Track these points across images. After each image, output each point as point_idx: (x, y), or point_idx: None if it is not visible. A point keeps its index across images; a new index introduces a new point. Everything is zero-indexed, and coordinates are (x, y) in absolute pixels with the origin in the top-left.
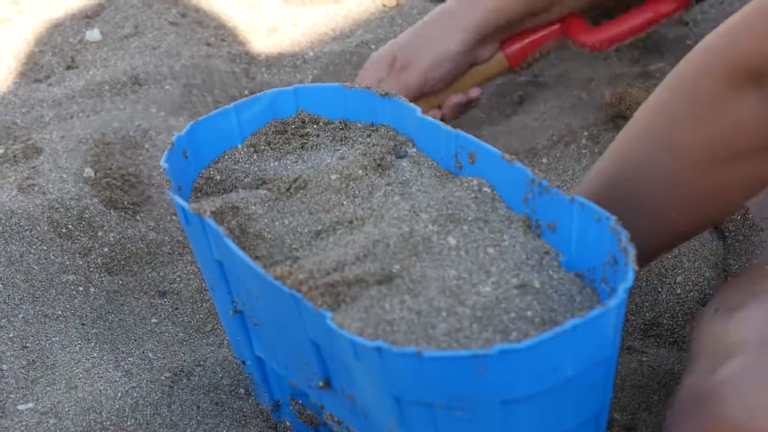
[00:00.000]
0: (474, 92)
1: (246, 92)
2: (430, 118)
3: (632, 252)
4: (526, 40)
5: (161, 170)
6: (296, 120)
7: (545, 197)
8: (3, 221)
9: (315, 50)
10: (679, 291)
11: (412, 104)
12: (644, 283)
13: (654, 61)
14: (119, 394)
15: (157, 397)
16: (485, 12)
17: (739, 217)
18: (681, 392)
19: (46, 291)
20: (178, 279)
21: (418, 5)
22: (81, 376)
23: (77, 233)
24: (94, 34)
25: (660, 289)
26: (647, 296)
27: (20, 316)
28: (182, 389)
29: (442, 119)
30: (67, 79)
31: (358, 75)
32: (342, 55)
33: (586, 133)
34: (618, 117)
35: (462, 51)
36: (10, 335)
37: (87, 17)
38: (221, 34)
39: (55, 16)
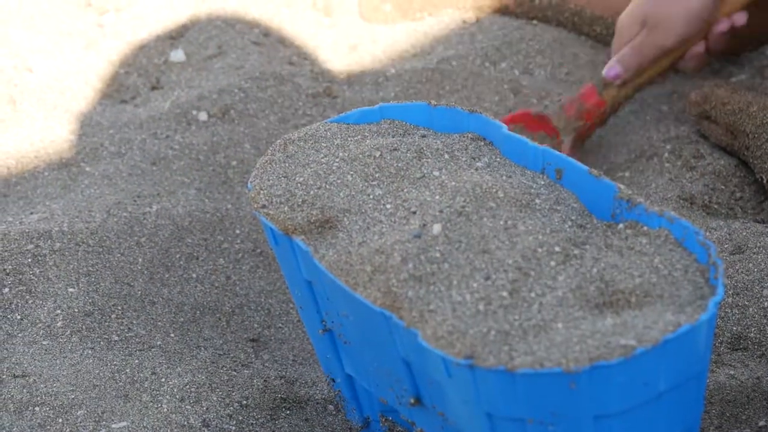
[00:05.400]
0: (740, 18)
1: (328, 111)
2: (516, 135)
3: (721, 266)
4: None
5: (248, 192)
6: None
7: (633, 212)
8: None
9: (396, 67)
10: (766, 305)
11: (497, 121)
12: (731, 298)
13: (735, 72)
14: (213, 414)
15: (249, 414)
16: None
17: None
18: None
19: (142, 309)
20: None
21: (498, 21)
22: (175, 394)
23: (178, 256)
24: (178, 55)
25: (747, 303)
26: (734, 310)
27: (114, 335)
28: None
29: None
30: (152, 100)
31: (613, 43)
32: (423, 72)
33: (668, 147)
34: (702, 117)
35: (709, 7)
36: (108, 356)
37: (171, 38)
38: (303, 53)
39: (140, 37)
